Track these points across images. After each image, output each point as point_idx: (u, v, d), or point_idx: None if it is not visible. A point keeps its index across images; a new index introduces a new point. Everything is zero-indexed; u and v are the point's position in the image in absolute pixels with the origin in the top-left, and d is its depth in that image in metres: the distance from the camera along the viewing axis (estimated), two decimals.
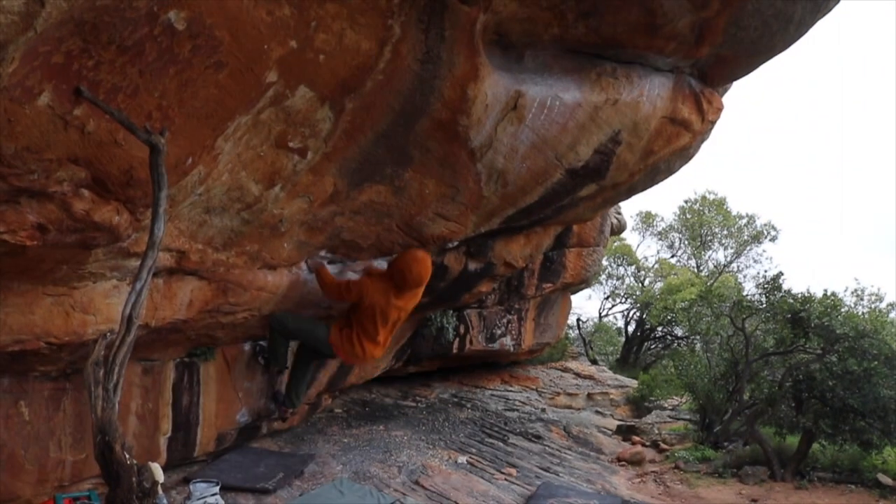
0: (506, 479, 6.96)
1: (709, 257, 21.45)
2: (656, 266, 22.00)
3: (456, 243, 5.68)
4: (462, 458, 7.47)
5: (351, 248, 5.02)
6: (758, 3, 4.00)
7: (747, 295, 9.98)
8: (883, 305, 8.57)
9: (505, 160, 4.42)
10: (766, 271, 10.93)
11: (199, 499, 4.82)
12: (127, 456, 2.83)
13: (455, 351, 9.87)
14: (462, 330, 9.83)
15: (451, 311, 9.36)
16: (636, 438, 9.98)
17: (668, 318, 18.56)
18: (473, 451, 7.91)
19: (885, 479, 7.58)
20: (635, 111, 4.67)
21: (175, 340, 4.94)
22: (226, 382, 5.89)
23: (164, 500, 3.06)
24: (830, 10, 4.53)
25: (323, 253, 5.02)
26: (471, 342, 10.07)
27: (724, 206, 21.60)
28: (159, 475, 2.96)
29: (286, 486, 5.87)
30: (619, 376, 15.56)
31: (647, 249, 26.71)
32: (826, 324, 7.96)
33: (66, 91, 2.41)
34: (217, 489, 5.00)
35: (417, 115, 3.86)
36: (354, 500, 5.53)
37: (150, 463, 2.96)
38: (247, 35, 2.73)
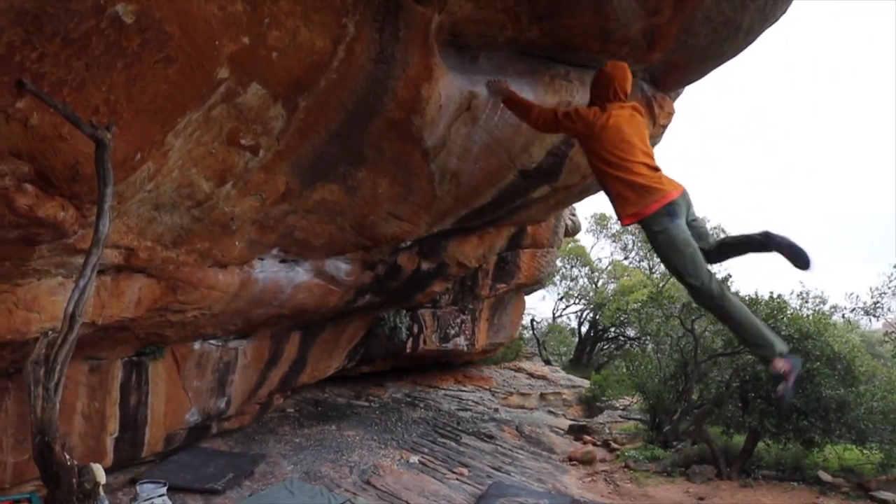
0: (457, 479, 6.98)
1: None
2: (610, 268, 22.24)
3: (409, 243, 5.69)
4: (414, 458, 7.47)
5: (303, 246, 4.98)
6: (707, 12, 4.07)
7: None
8: (826, 308, 8.78)
9: (458, 161, 4.44)
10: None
11: (145, 500, 4.74)
12: (67, 456, 2.77)
13: (409, 351, 9.88)
14: (416, 330, 9.84)
15: (405, 311, 9.36)
16: (588, 438, 10.09)
17: (621, 319, 18.78)
18: (426, 450, 7.92)
19: (826, 476, 7.79)
20: None
21: (123, 339, 4.86)
22: (175, 382, 5.81)
23: (106, 502, 2.99)
24: (778, 18, 4.63)
25: (275, 251, 4.97)
26: (424, 342, 10.09)
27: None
28: (101, 476, 2.90)
29: (236, 486, 5.81)
30: (571, 376, 15.71)
31: (601, 251, 27.05)
32: (772, 325, 8.13)
33: (7, 83, 2.35)
34: (164, 490, 4.93)
35: (371, 114, 3.85)
36: (304, 501, 5.50)
37: (91, 464, 2.90)
38: (198, 30, 2.69)
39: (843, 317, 8.25)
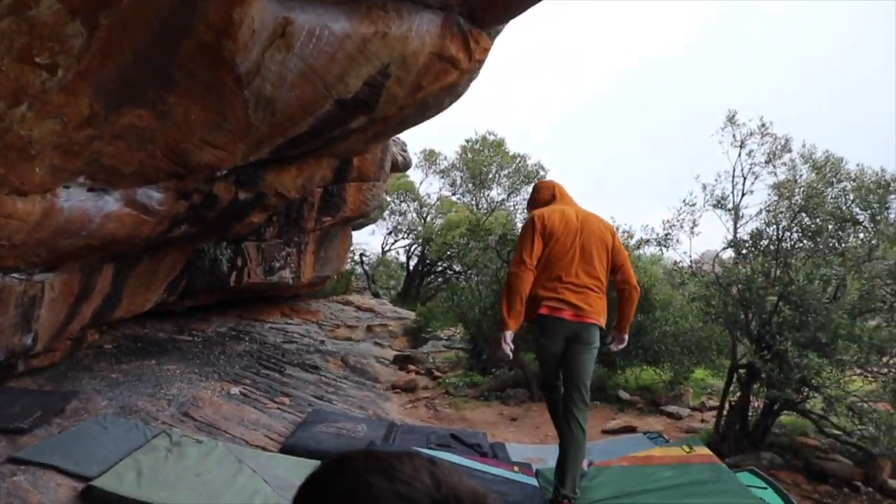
0: (278, 408, 7.07)
1: (486, 195, 22.45)
2: (438, 203, 22.73)
3: (225, 172, 5.58)
4: (235, 390, 7.47)
5: (112, 174, 4.79)
6: None
7: (513, 230, 10.61)
8: (633, 242, 9.45)
9: (273, 88, 4.40)
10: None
11: None
12: None
13: (233, 284, 9.74)
14: (239, 262, 9.71)
15: (226, 243, 9.20)
16: (412, 367, 10.46)
17: (448, 253, 19.35)
18: (248, 382, 7.94)
19: (624, 395, 8.56)
20: (404, 45, 4.80)
21: None
22: None
23: None
24: None
25: (82, 179, 4.75)
26: (249, 275, 9.98)
27: (503, 147, 22.61)
28: None
29: (44, 424, 5.59)
30: (398, 309, 16.10)
31: (430, 187, 27.38)
32: None
33: None
34: None
35: (181, 36, 3.74)
36: (118, 435, 5.40)
37: None
38: None
39: (638, 246, 8.93)
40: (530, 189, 5.41)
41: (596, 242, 4.62)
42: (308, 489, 0.80)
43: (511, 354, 4.46)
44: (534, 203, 4.94)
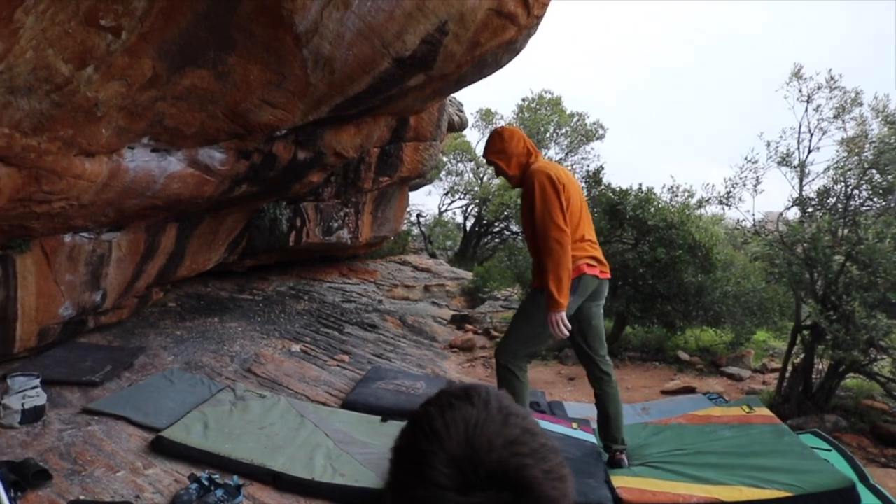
0: (338, 366, 7.20)
1: (544, 154, 22.23)
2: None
3: (284, 132, 5.63)
4: (296, 347, 7.63)
5: (175, 135, 4.87)
6: None
7: None
8: (693, 201, 9.27)
9: (331, 47, 4.40)
10: (589, 167, 11.49)
11: (17, 392, 4.70)
12: None
13: (292, 244, 9.89)
14: (298, 222, 9.83)
15: (285, 203, 9.32)
16: (469, 327, 10.50)
17: (505, 213, 19.28)
18: (308, 339, 8.09)
19: (684, 356, 8.47)
20: (462, 2, 4.73)
21: None
22: (45, 275, 5.66)
23: None
24: None
25: (146, 140, 4.85)
26: (308, 235, 10.11)
27: (560, 105, 22.30)
28: None
29: (114, 378, 5.82)
30: (455, 269, 16.14)
31: None
32: (640, 216, 8.58)
33: None
34: (38, 382, 4.89)
35: None
36: (184, 388, 5.58)
37: None
38: None
39: (699, 206, 8.76)
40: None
41: (584, 199, 4.65)
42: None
43: (569, 333, 4.35)
44: (503, 153, 4.56)
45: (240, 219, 8.36)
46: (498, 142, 4.60)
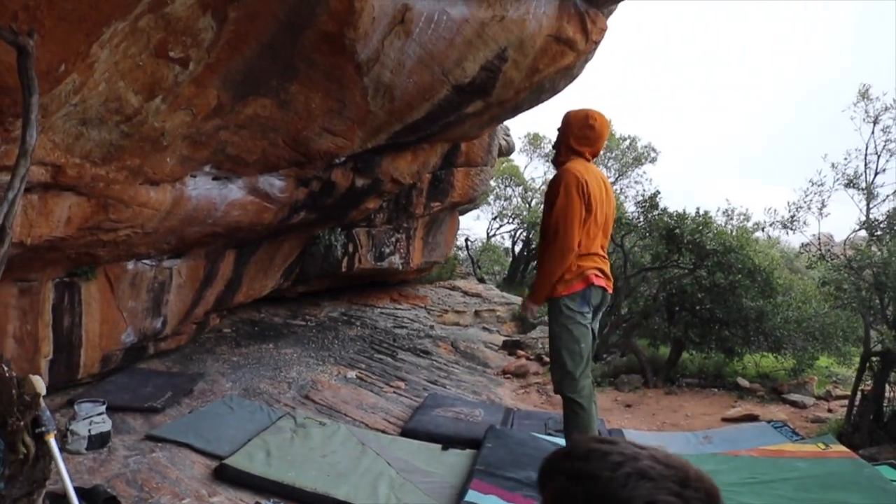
0: (394, 392, 7.16)
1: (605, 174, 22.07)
2: (543, 187, 22.50)
3: (343, 159, 5.67)
4: (351, 374, 7.62)
5: (236, 163, 4.94)
6: None
7: (626, 213, 10.38)
8: (749, 224, 9.12)
9: (392, 75, 4.42)
10: (644, 191, 11.36)
11: (84, 418, 4.75)
12: (5, 368, 2.78)
13: (344, 269, 9.93)
14: (350, 248, 9.88)
15: (339, 229, 9.37)
16: (521, 352, 10.38)
17: None
18: (363, 366, 8.08)
19: (744, 383, 8.25)
20: (521, 29, 4.73)
21: (53, 259, 4.78)
22: (109, 302, 5.76)
23: (48, 412, 3.01)
24: None
25: (208, 168, 4.91)
26: (360, 260, 10.15)
27: (609, 129, 22.11)
28: (40, 387, 2.92)
29: (175, 404, 5.86)
30: (505, 294, 16.03)
31: (535, 171, 27.25)
32: (697, 240, 8.43)
33: None
34: (103, 408, 4.94)
35: (303, 26, 3.80)
36: (244, 415, 5.60)
37: (29, 375, 2.91)
38: None
39: (762, 230, 8.58)
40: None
41: (612, 212, 4.58)
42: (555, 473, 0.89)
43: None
44: (584, 140, 4.39)
45: (296, 245, 8.43)
46: (583, 127, 4.41)
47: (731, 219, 9.55)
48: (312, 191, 5.98)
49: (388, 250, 10.71)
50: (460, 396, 7.27)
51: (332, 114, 4.66)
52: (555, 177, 4.32)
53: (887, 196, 6.53)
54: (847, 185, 6.56)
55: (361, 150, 5.45)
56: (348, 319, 10.91)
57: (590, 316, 4.36)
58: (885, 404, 6.13)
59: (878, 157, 6.51)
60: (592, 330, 4.45)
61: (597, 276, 4.32)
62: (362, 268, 10.30)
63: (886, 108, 6.46)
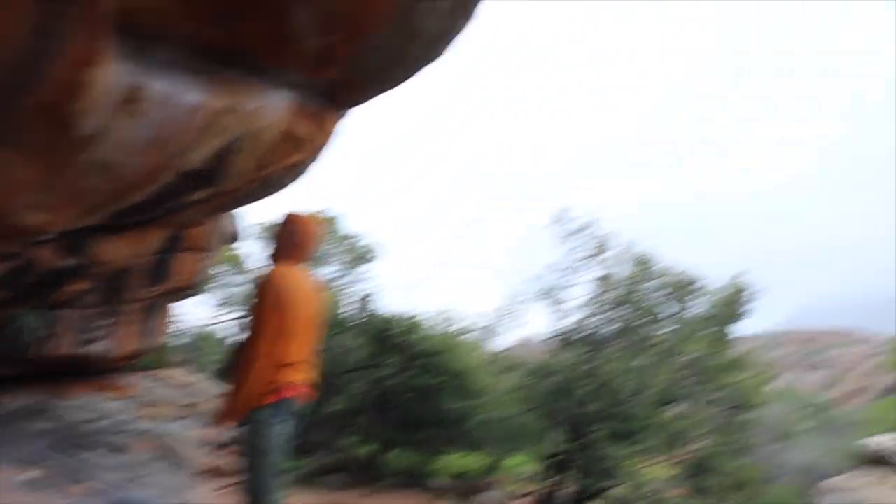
0: (81, 496, 6.52)
1: (324, 273, 22.34)
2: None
3: (51, 236, 5.27)
4: (29, 475, 6.81)
5: None
6: (378, 41, 4.39)
7: (342, 313, 10.56)
8: (455, 328, 9.71)
9: (116, 154, 4.25)
10: (364, 291, 11.73)
11: None
12: None
13: (34, 355, 8.98)
14: (49, 331, 9.01)
15: (36, 311, 8.53)
16: (230, 449, 9.99)
17: None
18: (46, 465, 7.26)
19: (443, 482, 8.65)
20: (255, 122, 4.79)
21: None
22: None
23: None
24: (441, 54, 5.01)
25: None
26: (58, 346, 9.27)
27: (320, 233, 22.42)
28: None
29: None
30: (221, 384, 15.43)
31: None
32: (406, 342, 8.83)
33: None
34: None
35: (19, 92, 3.57)
36: None
37: None
38: None
39: (463, 335, 9.25)
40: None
41: (321, 315, 4.76)
42: None
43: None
44: (291, 245, 4.87)
45: None
46: (292, 232, 4.87)
47: (450, 321, 10.11)
48: (11, 267, 5.46)
49: (97, 335, 9.91)
50: (152, 500, 6.81)
51: (43, 187, 4.34)
52: (257, 282, 4.41)
53: (575, 308, 7.39)
54: (541, 297, 7.33)
55: (73, 227, 5.12)
56: (39, 411, 9.80)
57: (287, 427, 4.38)
58: (562, 501, 6.74)
59: (571, 272, 7.37)
60: (288, 437, 4.45)
61: (293, 386, 4.36)
62: (60, 353, 9.40)
63: (574, 232, 7.37)
